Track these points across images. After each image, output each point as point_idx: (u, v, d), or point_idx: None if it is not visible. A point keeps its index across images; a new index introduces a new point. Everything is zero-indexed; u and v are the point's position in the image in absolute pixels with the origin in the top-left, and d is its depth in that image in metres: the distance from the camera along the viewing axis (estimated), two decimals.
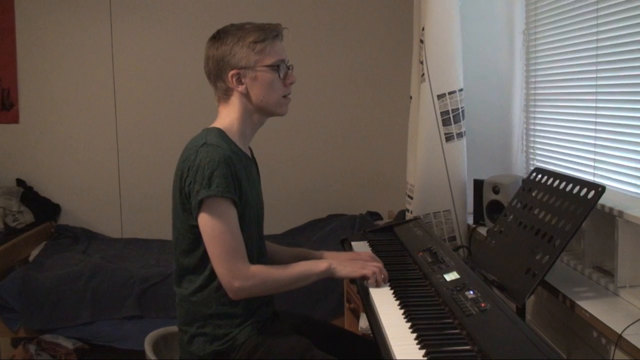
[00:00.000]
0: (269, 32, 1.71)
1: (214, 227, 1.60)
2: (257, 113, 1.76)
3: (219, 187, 1.59)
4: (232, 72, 1.70)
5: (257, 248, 1.76)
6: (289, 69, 1.77)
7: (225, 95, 1.75)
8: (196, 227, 1.64)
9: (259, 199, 1.83)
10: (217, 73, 1.72)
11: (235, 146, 1.72)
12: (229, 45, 1.70)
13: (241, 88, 1.71)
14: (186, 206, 1.65)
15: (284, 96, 1.76)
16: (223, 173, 1.60)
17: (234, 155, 1.66)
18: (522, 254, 1.72)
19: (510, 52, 2.66)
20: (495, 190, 2.32)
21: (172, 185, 1.73)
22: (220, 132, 1.71)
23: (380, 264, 1.78)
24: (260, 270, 1.66)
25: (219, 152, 1.62)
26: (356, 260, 1.82)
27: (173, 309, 1.79)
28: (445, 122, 2.43)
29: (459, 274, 1.67)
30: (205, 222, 1.61)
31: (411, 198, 2.60)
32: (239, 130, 1.75)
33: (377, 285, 1.73)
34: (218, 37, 1.73)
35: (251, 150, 1.87)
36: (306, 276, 1.71)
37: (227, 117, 1.75)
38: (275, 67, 1.72)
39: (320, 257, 1.90)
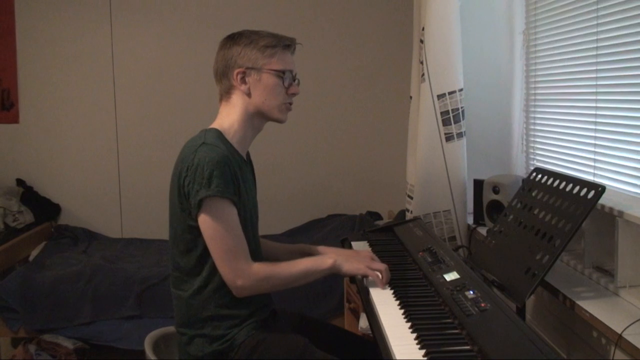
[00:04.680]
0: (282, 41, 1.76)
1: (215, 227, 1.61)
2: (257, 116, 1.77)
3: (218, 187, 1.59)
4: (237, 70, 1.73)
5: (252, 250, 1.75)
6: (294, 80, 1.79)
7: (227, 93, 1.77)
8: (194, 227, 1.64)
9: (254, 201, 1.83)
10: (224, 70, 1.75)
11: (232, 148, 1.72)
12: (240, 45, 1.73)
13: (244, 87, 1.73)
14: (184, 206, 1.65)
15: (285, 103, 1.78)
16: (222, 173, 1.60)
17: (231, 156, 1.66)
18: (522, 254, 1.72)
19: (510, 52, 2.66)
20: (495, 190, 2.32)
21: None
22: (218, 134, 1.71)
23: (384, 266, 1.76)
24: (263, 268, 1.66)
25: (217, 152, 1.62)
26: (362, 258, 1.80)
27: (172, 309, 1.78)
28: (445, 122, 2.43)
29: (459, 274, 1.67)
30: (205, 222, 1.61)
31: (411, 198, 2.60)
32: (239, 132, 1.75)
33: (381, 280, 1.72)
34: (232, 37, 1.77)
35: (248, 154, 1.87)
36: (311, 273, 1.70)
37: (227, 117, 1.76)
38: (280, 74, 1.74)
39: (318, 252, 1.90)
